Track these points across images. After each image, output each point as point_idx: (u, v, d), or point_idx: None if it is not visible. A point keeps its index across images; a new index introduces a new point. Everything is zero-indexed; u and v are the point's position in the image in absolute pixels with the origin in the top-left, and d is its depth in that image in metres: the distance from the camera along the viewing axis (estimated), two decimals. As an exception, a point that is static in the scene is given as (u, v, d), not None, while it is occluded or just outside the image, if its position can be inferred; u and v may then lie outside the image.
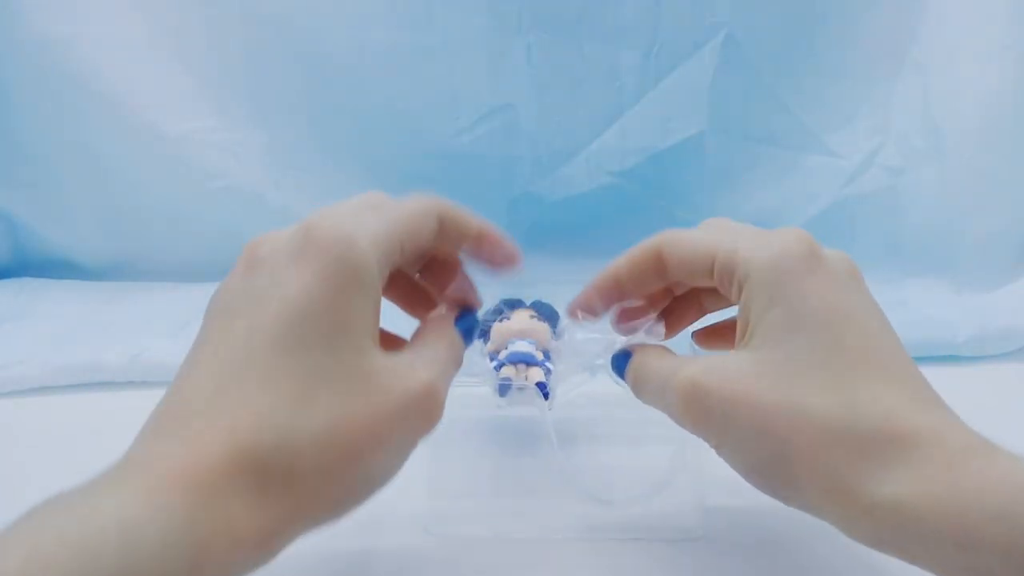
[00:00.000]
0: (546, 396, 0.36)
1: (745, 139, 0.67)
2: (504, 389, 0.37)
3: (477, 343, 0.42)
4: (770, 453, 0.25)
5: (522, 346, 0.40)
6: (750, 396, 0.25)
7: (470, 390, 0.36)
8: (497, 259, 0.32)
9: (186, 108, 0.65)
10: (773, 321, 0.26)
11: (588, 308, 0.33)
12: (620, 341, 0.35)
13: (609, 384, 0.36)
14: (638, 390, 0.31)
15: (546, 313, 0.43)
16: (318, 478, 0.23)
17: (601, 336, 0.40)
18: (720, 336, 0.34)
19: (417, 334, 0.31)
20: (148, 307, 0.64)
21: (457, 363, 0.30)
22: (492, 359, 0.40)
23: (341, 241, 0.25)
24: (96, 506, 0.21)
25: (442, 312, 0.32)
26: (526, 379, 0.38)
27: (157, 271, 0.69)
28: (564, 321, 0.43)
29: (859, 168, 0.66)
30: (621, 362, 0.32)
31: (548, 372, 0.39)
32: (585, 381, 0.37)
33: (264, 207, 0.67)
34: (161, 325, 0.59)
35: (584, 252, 0.70)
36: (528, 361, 0.39)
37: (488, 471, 0.37)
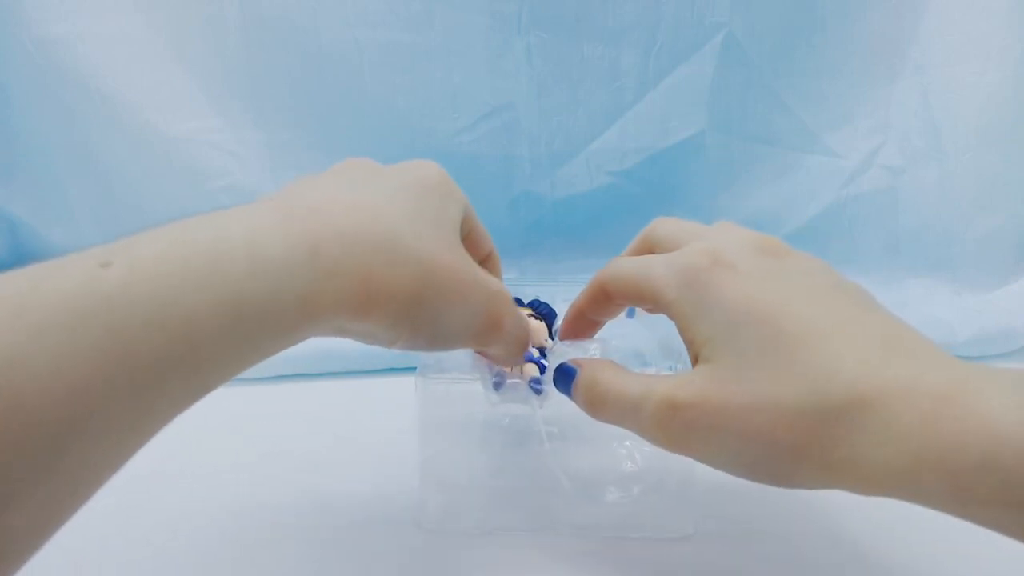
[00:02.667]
0: (538, 392, 0.36)
1: (745, 139, 0.67)
2: (498, 384, 0.37)
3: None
4: (759, 452, 0.25)
5: None
6: (726, 404, 0.26)
7: (463, 387, 0.36)
8: None
9: (186, 108, 0.65)
10: (710, 333, 0.27)
11: (573, 338, 0.36)
12: (613, 344, 0.35)
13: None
14: (595, 410, 0.30)
15: (544, 311, 0.43)
16: (409, 286, 0.26)
17: (598, 335, 0.40)
18: None
19: None
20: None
21: (523, 332, 0.33)
22: None
23: (438, 169, 0.30)
24: (225, 222, 0.23)
25: None
26: (521, 373, 0.38)
27: (157, 271, 0.69)
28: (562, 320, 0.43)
29: (859, 168, 0.66)
30: (566, 378, 0.32)
31: (543, 369, 0.39)
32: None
33: (264, 207, 0.67)
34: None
35: (584, 252, 0.71)
36: (524, 357, 0.39)
37: (480, 467, 0.37)
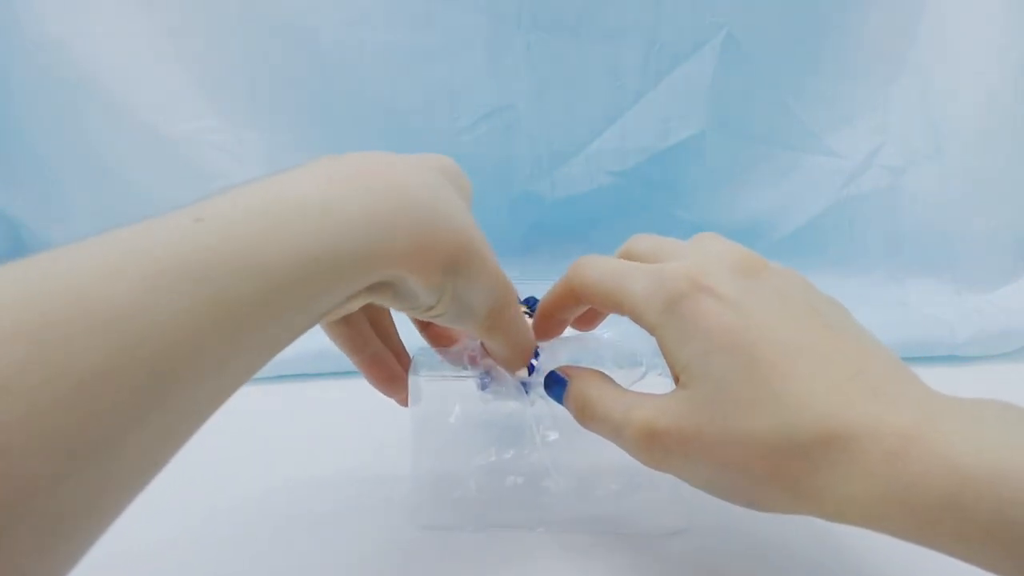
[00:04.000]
0: (527, 392, 0.36)
1: (745, 139, 0.67)
2: (484, 384, 0.37)
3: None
4: (734, 480, 0.26)
5: None
6: (701, 434, 0.26)
7: (456, 384, 0.36)
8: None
9: (186, 108, 0.65)
10: (687, 360, 0.27)
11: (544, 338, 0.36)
12: (606, 340, 0.35)
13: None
14: (585, 424, 0.31)
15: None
16: (451, 251, 0.27)
17: (588, 333, 0.40)
18: None
19: None
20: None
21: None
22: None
23: (453, 161, 0.31)
24: (296, 184, 0.25)
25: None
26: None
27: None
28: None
29: (859, 168, 0.66)
30: (557, 388, 0.33)
31: (532, 369, 0.39)
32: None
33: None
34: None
35: (584, 252, 0.70)
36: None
37: (474, 464, 0.37)
